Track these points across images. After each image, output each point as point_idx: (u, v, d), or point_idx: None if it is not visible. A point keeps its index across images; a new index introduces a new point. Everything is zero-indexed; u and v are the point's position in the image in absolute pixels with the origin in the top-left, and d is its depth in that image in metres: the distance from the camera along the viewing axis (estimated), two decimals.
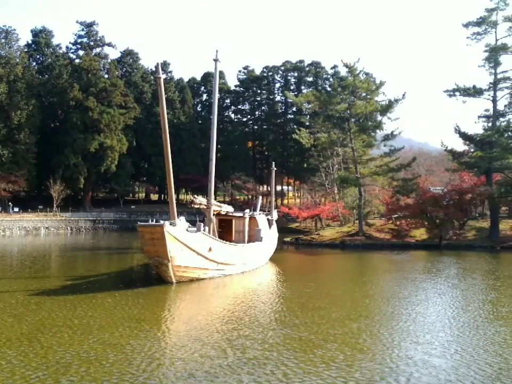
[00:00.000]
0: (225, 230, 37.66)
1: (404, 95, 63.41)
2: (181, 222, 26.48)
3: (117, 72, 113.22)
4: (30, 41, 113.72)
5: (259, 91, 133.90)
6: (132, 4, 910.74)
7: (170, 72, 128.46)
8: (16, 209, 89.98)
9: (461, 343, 15.33)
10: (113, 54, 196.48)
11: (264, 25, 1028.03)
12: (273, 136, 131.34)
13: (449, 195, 62.20)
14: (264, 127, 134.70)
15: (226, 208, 38.50)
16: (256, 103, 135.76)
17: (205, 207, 32.88)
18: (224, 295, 25.51)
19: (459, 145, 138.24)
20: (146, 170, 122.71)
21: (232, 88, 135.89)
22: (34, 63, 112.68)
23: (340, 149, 73.41)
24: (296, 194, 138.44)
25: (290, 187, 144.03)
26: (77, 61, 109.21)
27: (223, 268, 29.95)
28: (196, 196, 34.54)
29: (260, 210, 46.45)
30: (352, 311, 20.24)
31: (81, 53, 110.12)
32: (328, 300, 22.58)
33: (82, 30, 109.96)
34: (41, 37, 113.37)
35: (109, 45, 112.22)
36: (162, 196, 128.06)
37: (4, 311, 19.46)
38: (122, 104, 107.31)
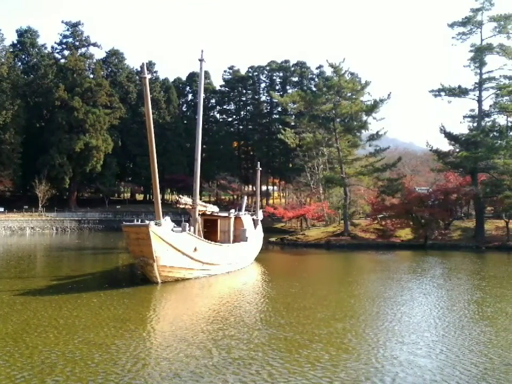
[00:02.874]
0: (210, 230, 37.63)
1: (389, 95, 63.70)
2: (166, 222, 26.44)
3: (102, 72, 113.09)
4: (15, 41, 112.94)
5: (244, 91, 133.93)
6: (117, 4, 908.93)
7: (155, 72, 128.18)
8: (1, 209, 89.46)
9: (446, 343, 15.37)
10: (98, 54, 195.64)
11: (250, 25, 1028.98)
12: (258, 136, 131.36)
13: (435, 195, 62.57)
14: (250, 127, 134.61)
15: (212, 208, 38.48)
16: (242, 103, 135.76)
17: (190, 207, 32.89)
18: (210, 295, 25.47)
19: (444, 145, 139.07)
20: (132, 170, 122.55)
21: (218, 88, 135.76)
22: (19, 63, 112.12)
23: (325, 149, 73.60)
24: (282, 194, 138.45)
25: (275, 187, 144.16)
26: (62, 61, 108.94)
27: (209, 268, 29.92)
28: (181, 196, 34.63)
29: (245, 210, 46.44)
30: (338, 311, 20.27)
31: (66, 53, 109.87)
32: (313, 300, 22.59)
33: (68, 30, 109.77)
34: (26, 37, 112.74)
35: (94, 45, 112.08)
36: (148, 195, 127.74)
37: None
38: (108, 104, 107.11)
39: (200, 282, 27.95)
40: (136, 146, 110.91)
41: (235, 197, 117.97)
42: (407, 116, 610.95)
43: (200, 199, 39.35)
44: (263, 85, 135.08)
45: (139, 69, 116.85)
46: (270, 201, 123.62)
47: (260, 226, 45.74)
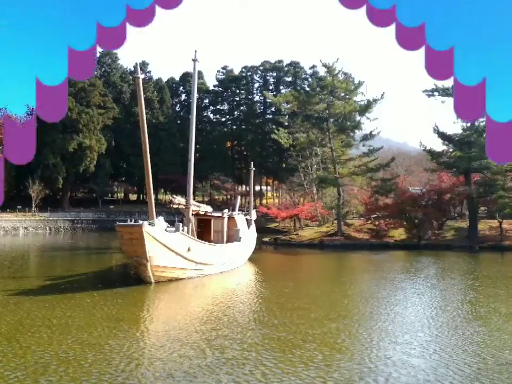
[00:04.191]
0: (204, 230, 37.57)
1: (382, 95, 63.61)
2: (160, 222, 26.41)
3: (95, 72, 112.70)
4: None
5: (238, 91, 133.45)
6: None
7: (149, 72, 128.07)
8: None
9: (439, 343, 15.38)
10: None
11: (243, 25, 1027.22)
12: (252, 136, 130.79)
13: (428, 195, 62.54)
14: (243, 127, 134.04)
15: (205, 208, 38.45)
16: (235, 103, 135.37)
17: (184, 207, 32.86)
18: (203, 295, 25.48)
19: (438, 145, 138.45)
20: (125, 170, 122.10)
21: (211, 88, 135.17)
22: None
23: (319, 149, 73.54)
24: (275, 194, 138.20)
25: (269, 187, 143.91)
26: None
27: (202, 268, 29.87)
28: (174, 195, 34.65)
29: (239, 210, 46.40)
30: (331, 311, 20.27)
31: None
32: (307, 300, 22.57)
33: None
34: None
35: None
36: (141, 196, 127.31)
37: None
38: (101, 104, 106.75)
39: (193, 282, 27.92)
40: (129, 146, 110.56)
41: (228, 197, 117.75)
42: (401, 115, 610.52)
43: (194, 199, 39.33)
44: (256, 85, 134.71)
45: (132, 69, 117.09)
46: (264, 201, 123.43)
47: (253, 226, 45.72)
